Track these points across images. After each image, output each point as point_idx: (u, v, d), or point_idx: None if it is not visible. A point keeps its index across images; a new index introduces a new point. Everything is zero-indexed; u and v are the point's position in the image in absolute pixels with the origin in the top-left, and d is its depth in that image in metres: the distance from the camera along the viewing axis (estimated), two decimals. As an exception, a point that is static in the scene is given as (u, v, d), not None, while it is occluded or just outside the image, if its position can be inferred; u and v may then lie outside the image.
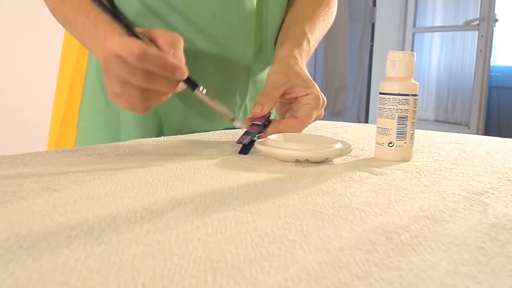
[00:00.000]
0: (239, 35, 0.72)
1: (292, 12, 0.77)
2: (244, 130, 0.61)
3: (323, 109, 0.66)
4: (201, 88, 0.56)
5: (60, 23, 0.68)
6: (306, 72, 0.67)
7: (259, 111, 0.61)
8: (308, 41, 0.72)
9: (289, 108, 0.66)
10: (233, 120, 0.60)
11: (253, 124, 0.60)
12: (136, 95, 0.51)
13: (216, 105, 0.58)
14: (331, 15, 0.81)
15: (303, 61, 0.69)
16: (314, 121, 0.65)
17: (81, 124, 0.79)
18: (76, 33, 0.66)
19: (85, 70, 0.80)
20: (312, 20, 0.75)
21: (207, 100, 0.57)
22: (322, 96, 0.64)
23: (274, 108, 0.72)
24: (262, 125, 0.60)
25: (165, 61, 0.50)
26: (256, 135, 0.59)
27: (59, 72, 1.01)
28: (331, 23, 0.81)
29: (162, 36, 0.53)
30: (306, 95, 0.62)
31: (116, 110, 0.74)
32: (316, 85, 0.65)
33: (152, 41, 0.53)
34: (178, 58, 0.53)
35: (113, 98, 0.53)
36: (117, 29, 0.53)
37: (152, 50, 0.50)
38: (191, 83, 0.55)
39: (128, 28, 0.52)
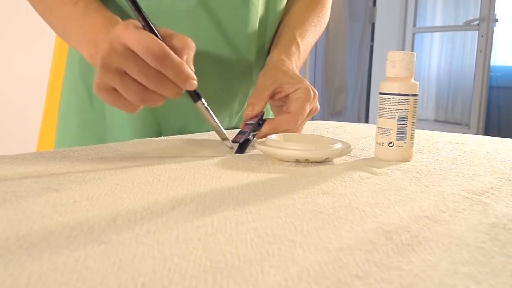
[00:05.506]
0: (243, 42, 0.72)
1: (285, 18, 0.78)
2: (239, 130, 0.61)
3: (317, 102, 0.66)
4: (203, 100, 0.55)
5: (38, 10, 0.64)
6: (294, 70, 0.68)
7: (251, 111, 0.62)
8: (298, 46, 0.73)
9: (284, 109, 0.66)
10: (225, 139, 0.58)
11: (246, 124, 0.61)
12: (137, 94, 0.49)
13: (213, 121, 0.56)
14: (323, 21, 0.82)
15: (292, 63, 0.70)
16: (310, 115, 0.65)
17: (61, 124, 0.77)
18: (57, 21, 0.62)
19: (64, 68, 0.77)
20: (303, 26, 0.76)
21: (205, 114, 0.56)
22: (312, 88, 0.64)
23: (271, 112, 0.72)
24: (256, 123, 0.61)
25: (182, 69, 0.48)
26: (251, 134, 0.59)
27: (51, 70, 1.00)
28: (324, 28, 0.83)
29: (176, 38, 0.51)
30: (296, 90, 0.63)
31: (101, 111, 0.72)
32: (306, 80, 0.65)
33: (165, 40, 0.50)
34: (189, 65, 0.51)
35: (101, 90, 0.49)
36: (131, 20, 0.50)
37: (173, 54, 0.48)
38: (195, 94, 0.54)
39: (147, 22, 0.49)
